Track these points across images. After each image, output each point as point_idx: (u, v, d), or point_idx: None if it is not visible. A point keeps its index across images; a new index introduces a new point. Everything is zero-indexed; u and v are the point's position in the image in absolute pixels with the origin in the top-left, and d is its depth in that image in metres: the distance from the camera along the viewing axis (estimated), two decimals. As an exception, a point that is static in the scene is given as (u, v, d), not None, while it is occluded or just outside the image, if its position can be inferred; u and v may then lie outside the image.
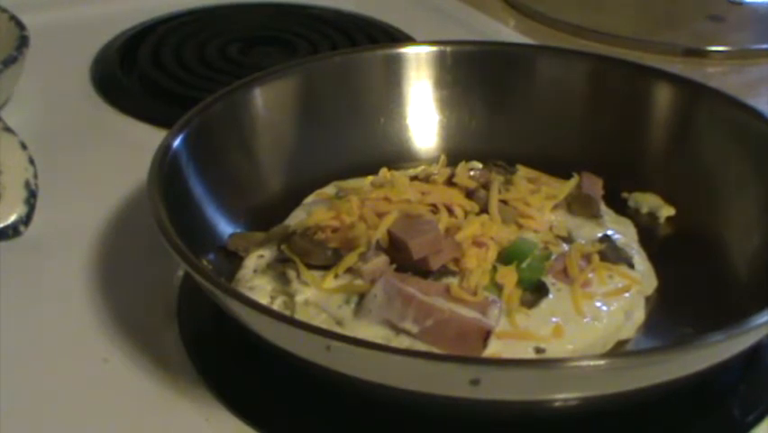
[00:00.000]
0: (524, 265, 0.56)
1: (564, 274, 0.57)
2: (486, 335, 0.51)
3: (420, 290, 0.53)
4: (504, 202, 0.61)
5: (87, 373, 0.54)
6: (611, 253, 0.59)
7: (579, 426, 0.51)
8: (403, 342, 0.52)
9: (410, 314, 0.52)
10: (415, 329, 0.52)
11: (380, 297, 0.53)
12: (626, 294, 0.57)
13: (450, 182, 0.63)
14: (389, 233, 0.57)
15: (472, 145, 0.68)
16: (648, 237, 0.63)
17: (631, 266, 0.59)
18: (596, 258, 0.58)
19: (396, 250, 0.56)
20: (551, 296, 0.55)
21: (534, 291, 0.56)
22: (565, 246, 0.59)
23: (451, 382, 0.46)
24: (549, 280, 0.56)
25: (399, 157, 0.67)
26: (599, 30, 0.93)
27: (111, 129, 0.77)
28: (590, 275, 0.57)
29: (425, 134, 0.69)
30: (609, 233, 0.61)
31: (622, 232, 0.62)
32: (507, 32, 0.93)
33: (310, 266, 0.56)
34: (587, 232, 0.61)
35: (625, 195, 0.66)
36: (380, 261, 0.56)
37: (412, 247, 0.55)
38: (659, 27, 0.96)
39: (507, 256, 0.57)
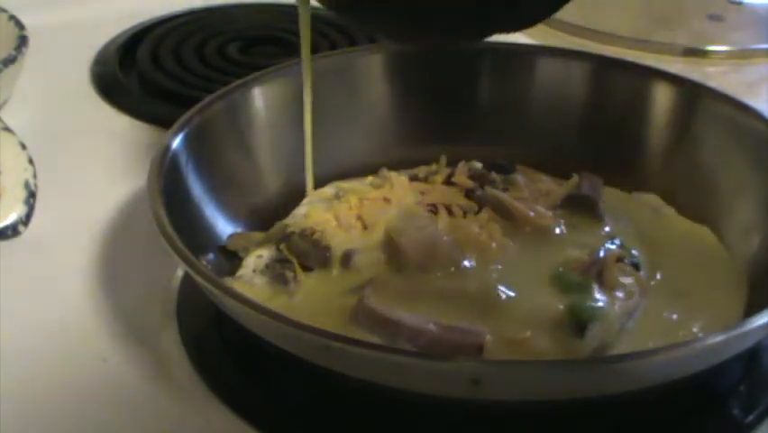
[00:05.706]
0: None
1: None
2: (479, 347, 0.51)
3: (410, 294, 0.53)
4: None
5: (87, 373, 0.54)
6: (622, 256, 0.59)
7: (579, 425, 0.51)
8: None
9: (402, 337, 0.51)
10: (410, 347, 0.51)
11: (365, 326, 0.52)
12: (633, 297, 0.57)
13: (449, 182, 0.63)
14: (387, 233, 0.57)
15: (472, 145, 0.68)
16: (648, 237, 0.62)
17: (638, 268, 0.59)
18: (614, 261, 0.58)
19: (394, 250, 0.56)
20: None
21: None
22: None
23: (451, 382, 0.46)
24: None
25: (399, 157, 0.67)
26: (599, 30, 0.93)
27: (111, 129, 0.77)
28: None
29: (425, 134, 0.69)
30: (610, 233, 0.61)
31: (622, 232, 0.62)
32: (507, 31, 0.93)
33: (308, 267, 0.56)
34: (587, 232, 0.61)
35: (624, 195, 0.66)
36: (378, 261, 0.56)
37: (409, 247, 0.55)
38: (659, 27, 0.96)
39: (576, 317, 0.53)
